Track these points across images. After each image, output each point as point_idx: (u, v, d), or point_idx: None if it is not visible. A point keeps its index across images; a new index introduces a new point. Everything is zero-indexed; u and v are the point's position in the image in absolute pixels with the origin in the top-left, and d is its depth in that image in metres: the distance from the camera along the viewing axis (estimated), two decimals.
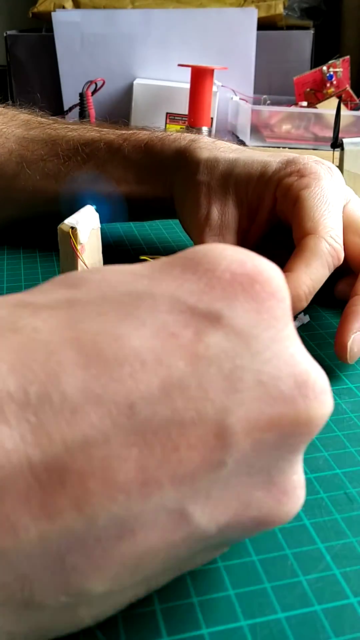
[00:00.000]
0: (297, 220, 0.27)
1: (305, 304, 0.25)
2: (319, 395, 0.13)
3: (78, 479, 0.10)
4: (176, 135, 0.34)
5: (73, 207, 0.29)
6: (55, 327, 0.11)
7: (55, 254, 0.35)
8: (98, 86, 0.66)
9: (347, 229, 0.28)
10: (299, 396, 0.12)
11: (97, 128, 0.37)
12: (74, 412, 0.11)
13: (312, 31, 0.76)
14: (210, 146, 0.33)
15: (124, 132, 0.36)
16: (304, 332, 0.29)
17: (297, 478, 0.14)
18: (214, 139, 0.34)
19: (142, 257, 0.24)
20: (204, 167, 0.31)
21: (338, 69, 0.69)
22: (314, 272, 0.25)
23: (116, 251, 0.39)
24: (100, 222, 0.29)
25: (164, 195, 0.34)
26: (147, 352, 0.11)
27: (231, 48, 0.71)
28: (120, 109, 0.72)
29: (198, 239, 0.31)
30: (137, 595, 0.13)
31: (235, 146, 0.33)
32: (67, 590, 0.11)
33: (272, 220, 0.30)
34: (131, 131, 0.36)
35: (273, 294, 0.13)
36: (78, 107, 0.65)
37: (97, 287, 0.13)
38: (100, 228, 0.30)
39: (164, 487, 0.11)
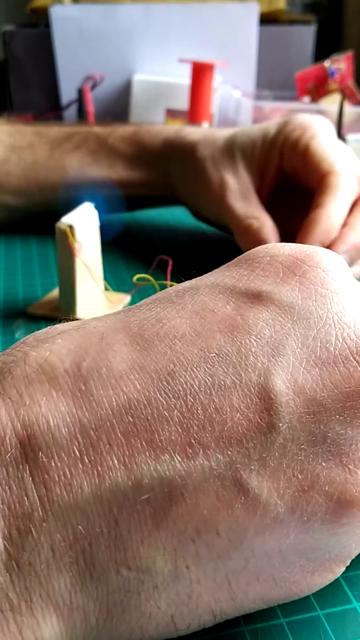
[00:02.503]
0: (312, 166, 0.30)
1: (335, 234, 0.28)
2: None
3: (124, 438, 0.11)
4: (162, 126, 0.37)
5: (67, 194, 0.29)
6: (111, 323, 0.13)
7: (53, 252, 0.35)
8: (97, 82, 0.65)
9: None
10: (350, 355, 0.12)
11: (84, 124, 0.40)
12: (119, 380, 0.12)
13: (314, 26, 0.75)
14: (200, 130, 0.35)
15: (110, 127, 0.38)
16: None
17: None
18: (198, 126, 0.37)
19: (139, 276, 0.24)
20: (203, 145, 0.34)
21: (341, 64, 0.69)
22: (341, 203, 0.28)
23: (115, 250, 0.38)
24: (100, 214, 0.29)
25: (156, 182, 0.36)
26: (187, 327, 0.12)
27: (232, 43, 0.70)
28: (119, 105, 0.72)
29: (222, 208, 0.32)
30: (216, 600, 0.12)
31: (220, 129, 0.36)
32: (127, 560, 0.11)
33: (278, 177, 0.33)
34: (118, 126, 0.38)
35: (317, 264, 0.13)
36: (76, 103, 0.64)
37: (153, 296, 0.15)
38: (99, 226, 0.30)
39: (209, 448, 0.11)
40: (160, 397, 0.12)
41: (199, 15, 0.69)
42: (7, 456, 0.11)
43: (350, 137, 0.42)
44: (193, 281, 0.14)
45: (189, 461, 0.11)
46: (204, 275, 0.15)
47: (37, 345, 0.13)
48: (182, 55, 0.67)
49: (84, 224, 0.28)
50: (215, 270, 0.15)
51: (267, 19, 0.73)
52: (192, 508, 0.11)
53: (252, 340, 0.12)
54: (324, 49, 0.76)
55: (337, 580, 0.16)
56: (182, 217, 0.43)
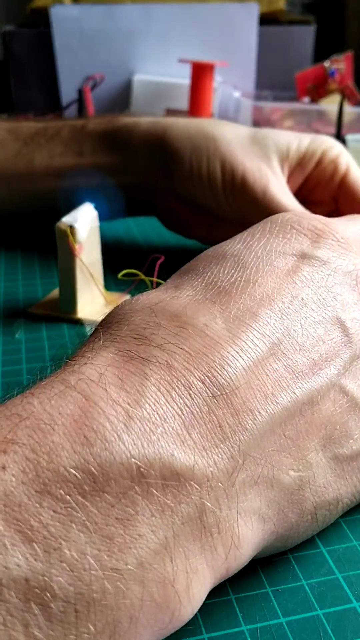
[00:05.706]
0: (350, 191, 0.32)
1: None
2: None
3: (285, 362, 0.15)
4: (152, 117, 0.35)
5: (45, 189, 0.28)
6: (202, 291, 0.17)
7: (54, 253, 0.35)
8: (97, 82, 0.65)
9: None
10: None
11: (60, 119, 0.37)
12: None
13: (313, 26, 0.75)
14: (192, 119, 0.34)
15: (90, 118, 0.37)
16: None
17: None
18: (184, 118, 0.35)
19: (126, 271, 0.25)
20: (225, 132, 0.32)
21: (340, 64, 0.69)
22: None
23: (115, 250, 0.38)
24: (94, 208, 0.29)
25: (128, 166, 0.34)
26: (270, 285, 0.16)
27: (232, 43, 0.70)
28: (119, 105, 0.72)
29: (262, 199, 0.30)
30: (338, 490, 0.16)
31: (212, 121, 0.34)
32: (292, 463, 0.15)
33: (300, 184, 0.33)
34: (101, 116, 0.37)
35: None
36: (77, 103, 0.64)
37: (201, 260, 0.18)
38: (99, 227, 0.30)
39: (329, 364, 0.16)
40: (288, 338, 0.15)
41: (198, 16, 0.69)
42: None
43: (349, 137, 0.42)
44: (230, 247, 0.17)
45: (317, 377, 0.15)
46: (232, 242, 0.18)
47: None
48: (182, 55, 0.67)
49: (84, 224, 0.28)
50: (240, 238, 0.18)
51: (266, 19, 0.73)
52: (321, 410, 0.15)
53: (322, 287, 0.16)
54: (323, 49, 0.76)
55: (336, 579, 0.16)
56: None
